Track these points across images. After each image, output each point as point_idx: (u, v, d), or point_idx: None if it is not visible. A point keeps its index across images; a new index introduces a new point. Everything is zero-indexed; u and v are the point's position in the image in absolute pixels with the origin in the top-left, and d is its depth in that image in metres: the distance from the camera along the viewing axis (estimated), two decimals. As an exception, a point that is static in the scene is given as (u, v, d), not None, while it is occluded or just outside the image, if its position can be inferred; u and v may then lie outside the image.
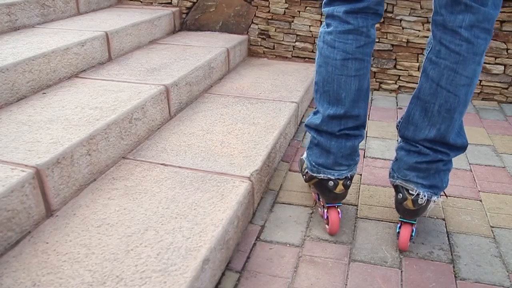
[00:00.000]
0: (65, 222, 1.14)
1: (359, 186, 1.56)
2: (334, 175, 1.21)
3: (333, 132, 1.17)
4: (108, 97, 1.58)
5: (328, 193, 1.25)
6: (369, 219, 1.38)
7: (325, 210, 1.31)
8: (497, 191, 1.54)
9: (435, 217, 1.40)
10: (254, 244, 1.28)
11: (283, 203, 1.47)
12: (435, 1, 1.03)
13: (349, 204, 1.46)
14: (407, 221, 1.23)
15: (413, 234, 1.25)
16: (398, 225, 1.27)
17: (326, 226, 1.31)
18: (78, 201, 1.22)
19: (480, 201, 1.48)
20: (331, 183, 1.22)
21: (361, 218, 1.39)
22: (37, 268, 0.98)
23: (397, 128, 1.23)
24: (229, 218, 1.17)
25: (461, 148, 1.15)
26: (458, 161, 1.74)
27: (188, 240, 1.07)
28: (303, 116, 2.17)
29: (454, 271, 1.17)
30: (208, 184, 1.31)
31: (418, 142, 1.14)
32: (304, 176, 1.35)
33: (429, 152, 1.12)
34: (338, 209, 1.29)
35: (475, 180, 1.61)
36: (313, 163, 1.24)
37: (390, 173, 1.25)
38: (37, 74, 1.62)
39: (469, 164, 1.72)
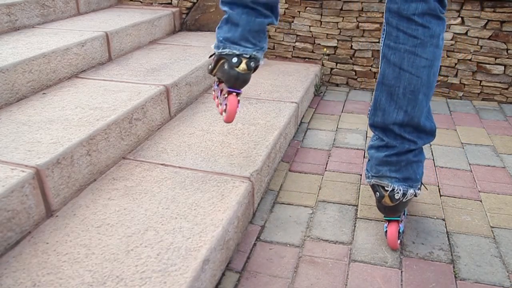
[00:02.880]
0: (65, 222, 1.14)
1: (359, 186, 1.57)
2: (239, 50, 1.20)
3: (246, 4, 1.17)
4: (108, 97, 1.58)
5: (230, 73, 1.22)
6: (369, 219, 1.38)
7: (225, 96, 1.29)
8: (497, 191, 1.54)
9: (435, 217, 1.40)
10: (254, 244, 1.28)
11: (283, 203, 1.47)
12: None
13: (349, 204, 1.46)
14: (391, 219, 1.24)
15: (401, 230, 1.26)
16: (385, 225, 1.27)
17: (223, 113, 1.28)
18: (78, 201, 1.22)
19: (480, 201, 1.48)
20: (235, 59, 1.20)
21: (361, 218, 1.39)
22: (37, 269, 0.98)
23: (368, 118, 1.24)
24: (229, 218, 1.17)
25: (430, 133, 1.17)
26: (458, 161, 1.74)
27: (188, 240, 1.07)
28: (303, 116, 2.18)
29: (454, 271, 1.17)
30: (208, 184, 1.31)
31: (388, 127, 1.15)
32: (210, 66, 1.31)
33: (396, 143, 1.15)
34: (238, 98, 1.28)
35: (475, 180, 1.61)
36: (220, 39, 1.23)
37: (366, 175, 1.26)
38: (37, 74, 1.62)
39: (469, 164, 1.72)
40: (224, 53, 1.22)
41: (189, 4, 2.72)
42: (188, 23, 2.75)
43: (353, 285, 1.12)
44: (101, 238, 1.08)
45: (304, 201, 1.48)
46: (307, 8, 2.51)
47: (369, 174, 1.23)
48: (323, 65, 2.60)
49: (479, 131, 2.02)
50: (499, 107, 2.33)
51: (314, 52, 2.60)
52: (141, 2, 2.82)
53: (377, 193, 1.20)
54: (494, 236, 1.31)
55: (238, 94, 1.28)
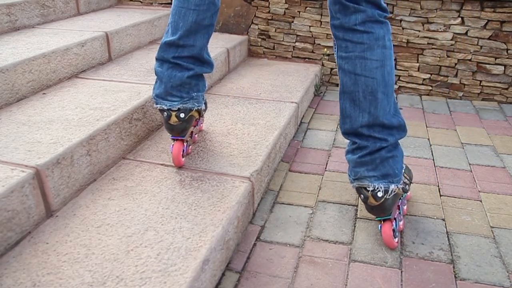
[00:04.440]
0: (65, 222, 1.14)
1: (359, 186, 1.57)
2: (166, 105, 1.30)
3: (168, 59, 1.28)
4: (108, 98, 1.58)
5: (166, 125, 1.34)
6: (369, 219, 1.38)
7: (172, 144, 1.39)
8: (497, 192, 1.54)
9: (435, 217, 1.40)
10: (254, 244, 1.28)
11: (283, 203, 1.47)
12: (330, 8, 1.18)
13: (349, 204, 1.46)
14: (383, 218, 1.25)
15: (395, 227, 1.26)
16: (379, 225, 1.28)
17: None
18: (78, 202, 1.22)
19: (480, 201, 1.48)
20: (165, 113, 1.31)
21: (361, 218, 1.39)
22: (37, 269, 0.98)
23: (343, 131, 1.27)
24: (229, 219, 1.17)
25: (399, 128, 1.20)
26: (458, 161, 1.74)
27: (188, 241, 1.07)
28: (303, 116, 2.18)
29: (454, 272, 1.17)
30: (208, 184, 1.31)
31: (357, 131, 1.19)
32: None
33: (367, 144, 1.18)
34: (184, 143, 1.39)
35: (475, 181, 1.61)
36: (153, 95, 1.34)
37: (349, 180, 1.28)
38: (37, 74, 1.62)
39: (469, 164, 1.72)
40: (158, 108, 1.33)
41: (189, 4, 2.72)
42: (188, 23, 2.75)
43: (353, 285, 1.12)
44: (101, 238, 1.08)
45: (304, 201, 1.48)
46: (307, 8, 2.51)
47: (351, 179, 1.25)
48: (323, 65, 2.60)
49: (479, 131, 2.02)
50: (499, 107, 2.33)
51: (314, 52, 2.60)
52: (141, 2, 2.82)
53: (362, 195, 1.22)
54: (494, 236, 1.31)
55: (182, 140, 1.38)
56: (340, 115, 1.23)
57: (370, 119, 1.17)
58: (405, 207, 1.40)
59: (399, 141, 1.23)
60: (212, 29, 1.32)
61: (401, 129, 1.21)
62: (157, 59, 1.32)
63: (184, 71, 1.29)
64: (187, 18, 1.26)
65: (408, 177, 1.33)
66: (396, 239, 1.25)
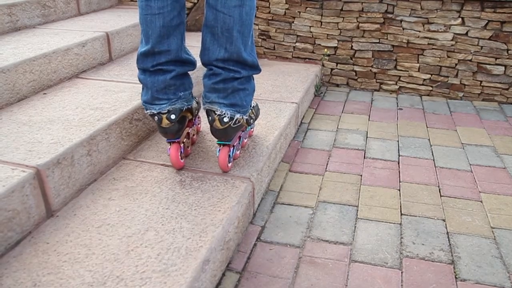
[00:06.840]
0: (65, 222, 1.14)
1: (359, 186, 1.57)
2: (155, 109, 1.31)
3: (147, 69, 1.28)
4: (108, 98, 1.58)
5: (159, 129, 1.34)
6: (369, 220, 1.38)
7: (168, 147, 1.39)
8: (497, 192, 1.54)
9: (435, 217, 1.40)
10: (255, 244, 1.28)
11: (284, 204, 1.47)
12: None
13: (349, 205, 1.46)
14: (223, 143, 1.34)
15: (231, 154, 1.37)
16: (218, 149, 1.37)
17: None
18: (78, 202, 1.22)
19: (481, 201, 1.48)
20: (155, 117, 1.32)
21: (361, 218, 1.39)
22: (38, 268, 0.98)
23: (201, 61, 1.34)
24: (229, 219, 1.17)
25: (252, 66, 1.30)
26: (458, 161, 1.74)
27: (188, 241, 1.07)
28: (304, 116, 2.18)
29: (454, 272, 1.17)
30: (208, 185, 1.31)
31: (212, 64, 1.27)
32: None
33: (221, 71, 1.26)
34: (181, 145, 1.39)
35: (475, 181, 1.61)
36: (142, 102, 1.35)
37: (202, 102, 1.37)
38: (38, 74, 1.62)
39: (470, 164, 1.72)
40: (148, 113, 1.33)
41: (189, 4, 2.72)
42: (188, 23, 2.75)
43: (353, 286, 1.12)
44: (101, 238, 1.08)
45: (305, 201, 1.48)
46: (308, 9, 2.51)
47: (204, 101, 1.33)
48: (323, 65, 2.60)
49: (480, 132, 2.02)
50: (499, 107, 2.33)
51: (314, 53, 2.60)
52: (142, 2, 2.81)
53: (210, 117, 1.31)
54: (494, 236, 1.31)
55: (179, 142, 1.38)
56: (201, 46, 1.30)
57: (226, 55, 1.24)
58: (245, 140, 1.52)
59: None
60: (183, 28, 1.31)
61: (254, 67, 1.31)
62: (139, 69, 1.32)
63: (166, 73, 1.29)
64: (154, 24, 1.24)
65: (254, 114, 1.47)
66: (230, 164, 1.37)
